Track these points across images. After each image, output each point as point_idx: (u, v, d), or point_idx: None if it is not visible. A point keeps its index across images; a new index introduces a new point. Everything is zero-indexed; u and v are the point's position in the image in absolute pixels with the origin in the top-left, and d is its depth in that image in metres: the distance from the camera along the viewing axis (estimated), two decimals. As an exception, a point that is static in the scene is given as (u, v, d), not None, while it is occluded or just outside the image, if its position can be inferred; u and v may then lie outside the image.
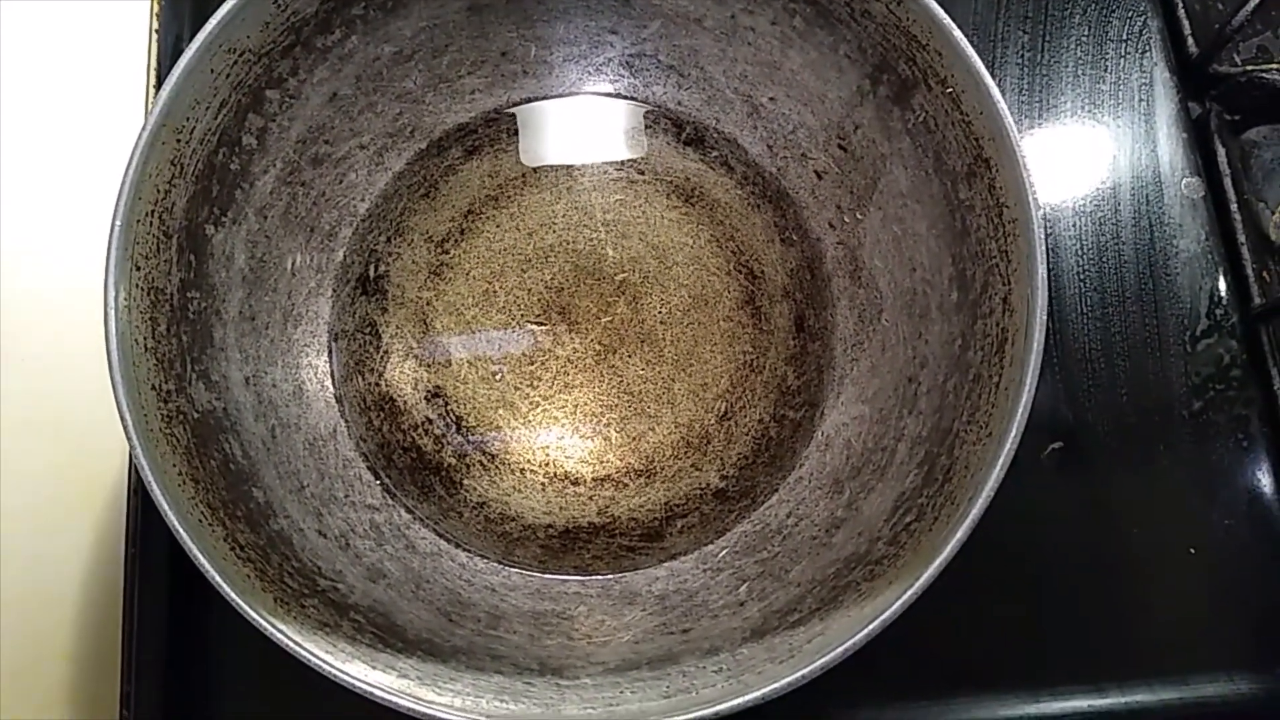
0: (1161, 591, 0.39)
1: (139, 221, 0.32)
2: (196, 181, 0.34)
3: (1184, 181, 0.43)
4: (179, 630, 0.37)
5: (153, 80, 0.42)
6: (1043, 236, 0.31)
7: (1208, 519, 0.39)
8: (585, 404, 0.38)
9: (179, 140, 0.33)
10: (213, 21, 0.33)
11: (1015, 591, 0.39)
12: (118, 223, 0.31)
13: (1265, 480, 0.40)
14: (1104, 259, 0.42)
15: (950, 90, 0.34)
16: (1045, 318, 0.31)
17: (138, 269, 0.32)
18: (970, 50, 0.33)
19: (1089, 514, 0.40)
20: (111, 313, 0.31)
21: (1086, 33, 0.45)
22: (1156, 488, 0.40)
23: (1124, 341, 0.41)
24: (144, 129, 0.32)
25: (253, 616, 0.29)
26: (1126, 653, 0.38)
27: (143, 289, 0.32)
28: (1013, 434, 0.30)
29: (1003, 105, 0.32)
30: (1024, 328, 0.31)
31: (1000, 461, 0.30)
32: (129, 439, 0.30)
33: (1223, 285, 0.42)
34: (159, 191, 0.33)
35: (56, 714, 0.39)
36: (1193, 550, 0.39)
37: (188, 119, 0.33)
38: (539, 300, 0.39)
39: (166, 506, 0.29)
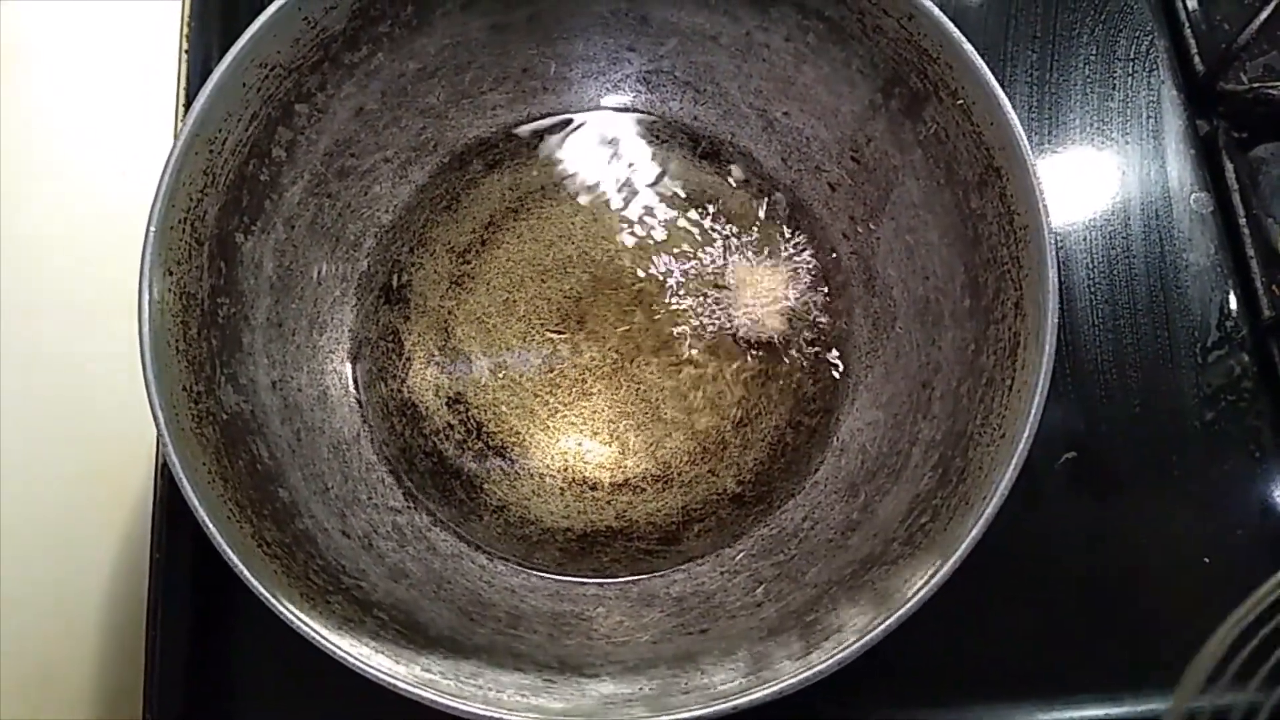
0: (1176, 601, 0.39)
1: (172, 228, 0.33)
2: (227, 191, 0.35)
3: (1192, 197, 0.43)
4: (202, 634, 0.38)
5: (182, 95, 0.43)
6: (1053, 241, 0.32)
7: (1221, 529, 0.40)
8: (603, 411, 0.39)
9: (211, 151, 0.34)
10: (246, 36, 0.34)
11: (1030, 600, 0.39)
12: (152, 229, 0.32)
13: (1278, 490, 0.40)
14: (1115, 273, 0.43)
15: (961, 102, 0.34)
16: (1056, 321, 0.32)
17: (170, 274, 0.33)
18: (980, 63, 0.34)
19: (1103, 523, 0.40)
20: (146, 314, 0.32)
21: (1095, 52, 0.46)
22: (1170, 498, 0.40)
23: (1136, 354, 0.42)
24: (178, 139, 0.33)
25: (280, 610, 0.29)
26: (1141, 661, 0.38)
27: (175, 293, 0.33)
28: (1026, 434, 0.30)
29: (1013, 116, 0.33)
30: (1036, 331, 0.32)
31: (1014, 461, 0.30)
32: (161, 436, 0.30)
33: (1233, 298, 0.42)
34: (192, 200, 0.34)
35: (81, 715, 0.39)
36: (1206, 560, 0.39)
37: (220, 130, 0.34)
38: (558, 309, 0.40)
39: (197, 502, 0.30)
